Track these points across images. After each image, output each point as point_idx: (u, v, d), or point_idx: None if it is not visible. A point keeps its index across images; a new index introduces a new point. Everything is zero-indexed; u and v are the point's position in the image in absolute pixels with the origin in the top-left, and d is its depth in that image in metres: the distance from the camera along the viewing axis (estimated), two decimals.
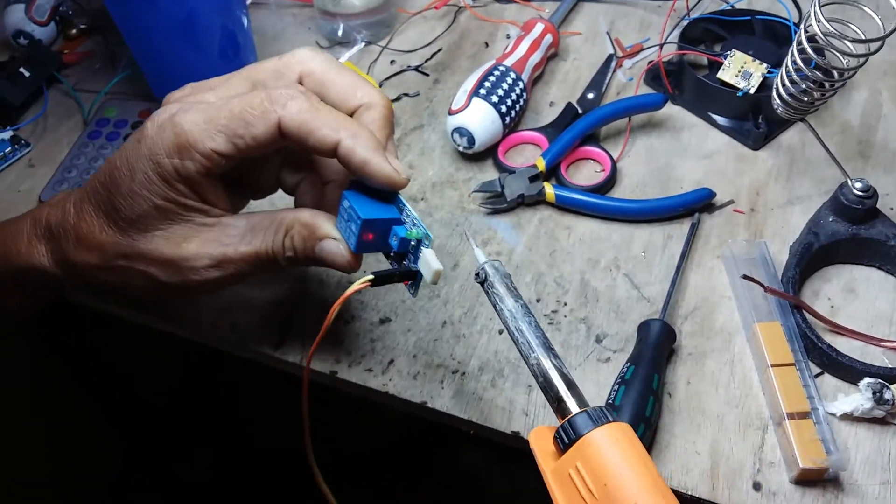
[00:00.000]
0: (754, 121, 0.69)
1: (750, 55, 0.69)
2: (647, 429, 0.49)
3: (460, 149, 0.68)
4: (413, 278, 0.46)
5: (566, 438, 0.37)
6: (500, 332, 0.57)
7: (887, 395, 0.50)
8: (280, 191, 0.54)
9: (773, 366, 0.52)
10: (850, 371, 0.53)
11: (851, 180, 0.58)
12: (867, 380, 0.51)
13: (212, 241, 0.46)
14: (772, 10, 0.76)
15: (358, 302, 0.59)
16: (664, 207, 0.63)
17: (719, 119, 0.71)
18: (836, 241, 0.59)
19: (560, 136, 0.68)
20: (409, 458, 1.23)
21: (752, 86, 0.68)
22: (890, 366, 0.53)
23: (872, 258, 0.60)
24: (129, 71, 0.77)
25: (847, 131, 0.70)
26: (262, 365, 0.59)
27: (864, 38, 0.57)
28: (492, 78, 0.68)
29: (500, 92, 0.68)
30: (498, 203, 0.65)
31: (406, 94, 0.77)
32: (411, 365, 0.56)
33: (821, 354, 0.54)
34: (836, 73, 0.59)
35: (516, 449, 0.52)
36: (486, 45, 0.82)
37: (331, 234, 0.46)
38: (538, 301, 0.59)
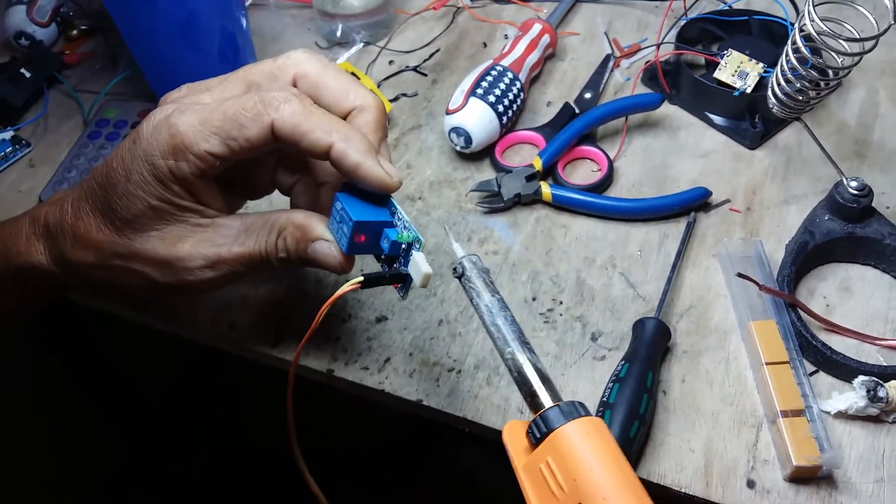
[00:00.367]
0: (751, 120, 0.70)
1: (747, 55, 0.70)
2: (642, 426, 0.49)
3: (457, 148, 0.69)
4: (403, 281, 0.47)
5: (538, 433, 0.37)
6: None
7: (881, 394, 0.50)
8: (278, 191, 0.55)
9: (767, 364, 0.52)
10: (844, 369, 0.53)
11: (847, 179, 0.59)
12: (861, 378, 0.51)
13: (206, 242, 0.47)
14: (769, 10, 0.76)
15: (355, 301, 0.59)
16: (660, 206, 0.64)
17: (716, 118, 0.71)
18: (832, 239, 0.59)
19: (557, 136, 0.68)
20: (405, 457, 1.23)
21: (749, 85, 0.68)
22: (884, 364, 0.54)
23: (868, 257, 0.60)
24: (129, 72, 0.78)
25: (844, 131, 0.70)
26: (261, 365, 0.59)
27: (858, 36, 0.57)
28: (489, 78, 0.69)
29: (498, 92, 0.68)
30: (495, 202, 0.66)
31: (404, 95, 0.77)
32: (407, 363, 0.56)
33: (815, 352, 0.54)
34: (830, 72, 0.59)
35: None
36: (485, 45, 0.82)
37: (323, 236, 0.47)
38: (534, 300, 0.59)
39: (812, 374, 0.54)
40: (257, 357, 0.58)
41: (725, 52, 0.70)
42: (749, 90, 0.68)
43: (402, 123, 0.74)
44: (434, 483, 1.20)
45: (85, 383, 1.25)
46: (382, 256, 0.47)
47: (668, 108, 0.73)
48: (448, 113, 0.68)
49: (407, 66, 0.80)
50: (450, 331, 0.58)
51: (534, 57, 0.74)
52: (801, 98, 0.60)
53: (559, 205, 0.65)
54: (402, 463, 1.22)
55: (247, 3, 0.75)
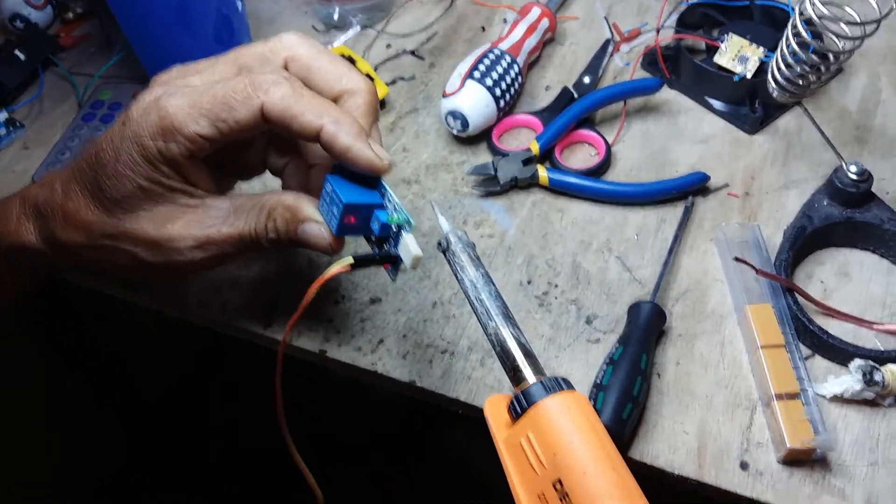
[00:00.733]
0: (751, 105, 0.69)
1: (747, 39, 0.69)
2: (635, 408, 0.48)
3: (454, 132, 0.68)
4: (393, 262, 0.47)
5: (519, 407, 0.37)
6: None
7: (877, 377, 0.50)
8: (269, 172, 0.54)
9: (763, 347, 0.52)
10: (840, 353, 0.53)
11: (846, 164, 0.58)
12: (858, 361, 0.51)
13: (195, 223, 0.47)
14: None
15: (348, 282, 0.59)
16: (658, 191, 0.63)
17: (716, 103, 0.70)
18: (831, 224, 0.59)
19: (555, 120, 0.67)
20: (398, 441, 1.23)
21: (749, 70, 0.68)
22: (881, 348, 0.53)
23: (867, 242, 0.60)
24: (124, 54, 0.77)
25: (845, 116, 0.69)
26: (260, 359, 0.59)
27: (859, 20, 0.56)
28: (486, 61, 0.68)
29: (495, 75, 0.67)
30: (491, 186, 0.65)
31: (401, 78, 0.76)
32: (401, 345, 0.56)
33: (812, 336, 0.54)
34: (831, 56, 0.59)
35: None
36: (483, 29, 0.81)
37: (313, 217, 0.47)
38: (529, 283, 0.59)
39: (808, 358, 0.54)
40: (249, 337, 0.58)
41: (726, 36, 0.70)
42: (749, 75, 0.67)
43: (399, 107, 0.74)
44: (427, 466, 1.20)
45: (85, 382, 1.25)
46: (373, 238, 0.48)
47: (667, 93, 0.72)
48: (445, 96, 0.67)
49: (404, 50, 0.79)
50: (443, 313, 0.57)
51: (532, 41, 0.73)
52: (801, 82, 0.60)
53: (556, 189, 0.65)
54: (396, 447, 1.22)
55: None
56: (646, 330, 0.53)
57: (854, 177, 0.58)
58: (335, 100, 0.47)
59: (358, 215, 0.46)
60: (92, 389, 1.28)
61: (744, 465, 0.48)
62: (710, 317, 0.56)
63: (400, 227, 0.46)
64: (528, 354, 0.39)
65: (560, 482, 0.34)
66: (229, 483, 1.28)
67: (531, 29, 0.74)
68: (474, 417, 0.53)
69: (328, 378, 0.57)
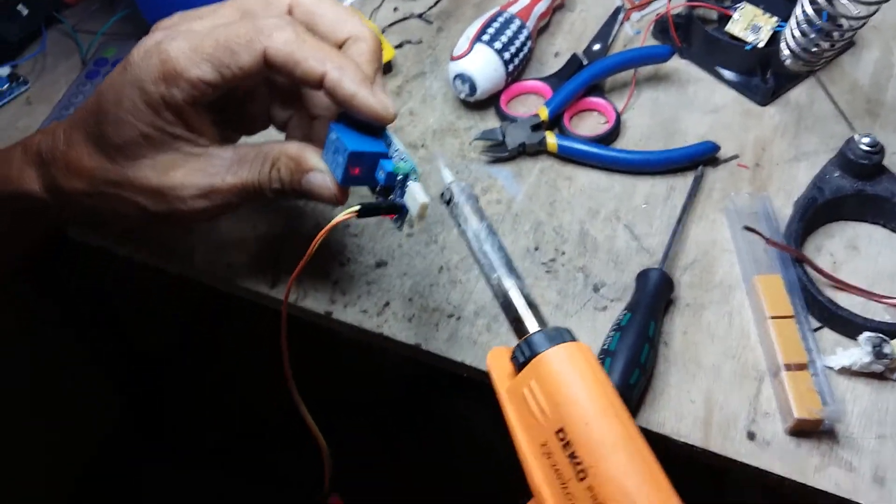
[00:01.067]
0: (762, 76, 0.68)
1: (760, 9, 0.68)
2: (642, 375, 0.48)
3: (462, 96, 0.67)
4: (399, 212, 0.46)
5: (521, 357, 0.36)
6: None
7: (886, 350, 0.50)
8: (273, 127, 0.53)
9: (771, 317, 0.52)
10: (850, 325, 0.52)
11: (859, 135, 0.57)
12: (867, 334, 0.51)
13: (198, 171, 0.46)
14: None
15: (354, 245, 0.58)
16: (667, 159, 0.62)
17: (727, 73, 0.70)
18: (841, 196, 0.58)
19: (564, 86, 0.66)
20: (403, 403, 1.23)
21: (762, 40, 0.67)
22: (891, 321, 0.53)
23: (877, 216, 0.59)
24: (127, 11, 0.76)
25: (856, 90, 0.69)
26: (262, 311, 0.58)
27: None
28: (495, 24, 0.67)
29: (504, 39, 0.66)
30: (499, 152, 0.64)
31: (409, 42, 0.75)
32: (406, 308, 0.55)
33: (821, 308, 0.53)
34: (844, 23, 0.58)
35: None
36: None
37: (317, 167, 0.46)
38: (536, 249, 0.58)
39: (817, 329, 0.54)
40: (254, 297, 0.57)
41: (739, 5, 0.69)
42: (761, 45, 0.67)
43: (406, 71, 0.73)
44: (431, 429, 1.20)
45: (78, 337, 1.24)
46: (378, 188, 0.47)
47: (677, 62, 0.72)
48: (453, 59, 0.66)
49: (412, 14, 0.78)
50: (450, 278, 0.57)
51: (542, 6, 0.72)
52: (814, 50, 0.59)
53: (564, 156, 0.64)
54: (401, 409, 1.22)
55: None
56: (654, 297, 0.52)
57: (866, 148, 0.57)
58: (339, 46, 0.47)
59: (363, 164, 0.45)
60: (86, 346, 1.27)
61: (751, 435, 0.48)
62: (718, 287, 0.56)
63: (406, 176, 0.45)
64: (532, 305, 0.39)
65: (563, 431, 0.33)
66: (227, 445, 1.29)
67: None
68: (480, 382, 0.53)
69: (333, 340, 0.57)
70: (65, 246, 0.62)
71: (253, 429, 1.29)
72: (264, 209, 0.60)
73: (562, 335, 0.36)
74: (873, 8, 0.56)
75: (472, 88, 0.66)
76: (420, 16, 0.78)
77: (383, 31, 0.76)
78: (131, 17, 0.75)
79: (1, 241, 0.56)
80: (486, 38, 0.66)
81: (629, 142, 0.66)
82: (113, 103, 0.44)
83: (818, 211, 0.58)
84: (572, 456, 0.33)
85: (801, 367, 0.50)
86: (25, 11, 0.76)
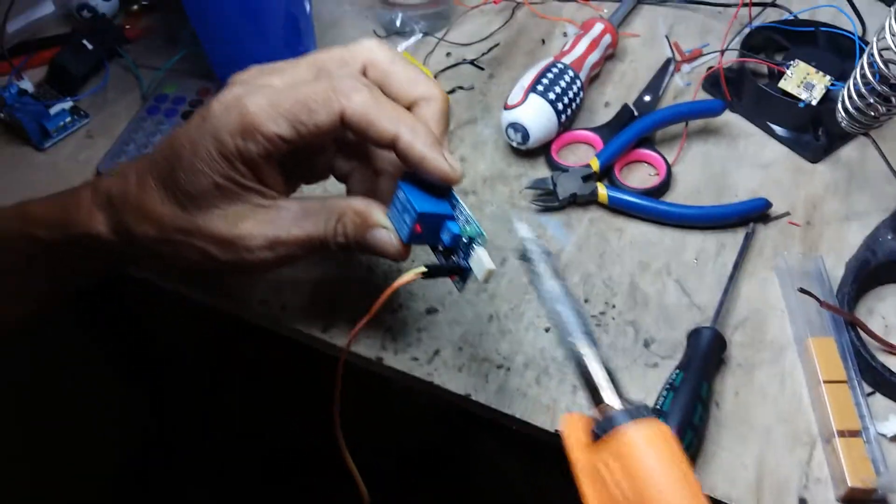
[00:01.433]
0: (814, 133, 0.68)
1: (813, 66, 0.68)
2: (695, 437, 0.48)
3: (514, 144, 0.68)
4: (461, 274, 0.47)
5: (599, 430, 0.36)
6: (547, 329, 0.57)
7: None
8: (332, 178, 0.55)
9: (825, 382, 0.51)
10: None
11: None
12: None
13: (267, 223, 0.47)
14: (836, 22, 0.75)
15: (406, 292, 0.59)
16: (719, 215, 0.63)
17: (778, 129, 0.70)
18: (895, 259, 0.58)
19: (616, 137, 0.67)
20: (429, 446, 1.22)
21: (815, 97, 0.67)
22: None
23: None
24: (189, 49, 0.78)
25: None
26: (299, 345, 0.59)
27: None
28: (550, 75, 0.68)
29: (558, 90, 0.67)
30: (549, 201, 0.65)
31: (461, 87, 0.77)
32: (456, 357, 0.56)
33: (874, 374, 0.53)
34: None
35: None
36: (543, 42, 0.81)
37: (382, 224, 0.47)
38: (586, 301, 0.59)
39: (869, 395, 0.53)
40: (307, 340, 0.58)
41: (792, 62, 0.69)
42: (815, 102, 0.67)
43: (458, 116, 0.74)
44: (459, 476, 1.20)
45: (108, 358, 1.26)
46: (440, 248, 0.48)
47: (728, 116, 0.72)
48: (506, 108, 0.67)
49: (464, 59, 0.79)
50: (499, 327, 0.57)
51: (594, 56, 0.73)
52: (872, 113, 0.59)
53: (615, 207, 0.64)
54: (427, 454, 1.22)
55: None
56: (706, 357, 0.52)
57: None
58: (410, 107, 0.48)
59: (429, 224, 0.46)
60: (116, 363, 1.28)
61: (802, 502, 0.48)
62: (769, 347, 0.56)
63: (472, 239, 0.46)
64: (609, 374, 0.39)
65: None
66: (260, 469, 1.29)
67: (594, 44, 0.74)
68: (526, 435, 0.53)
69: (373, 386, 0.57)
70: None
71: (281, 452, 1.29)
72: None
73: (641, 412, 0.36)
74: None
75: (525, 137, 0.66)
76: (472, 62, 0.79)
77: (436, 76, 0.77)
78: (192, 55, 0.77)
79: (60, 277, 0.57)
80: (540, 88, 0.67)
81: (679, 195, 0.66)
82: (189, 152, 0.45)
83: (871, 273, 0.58)
84: None
85: (855, 433, 0.49)
86: (90, 46, 0.78)
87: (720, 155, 0.69)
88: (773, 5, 0.82)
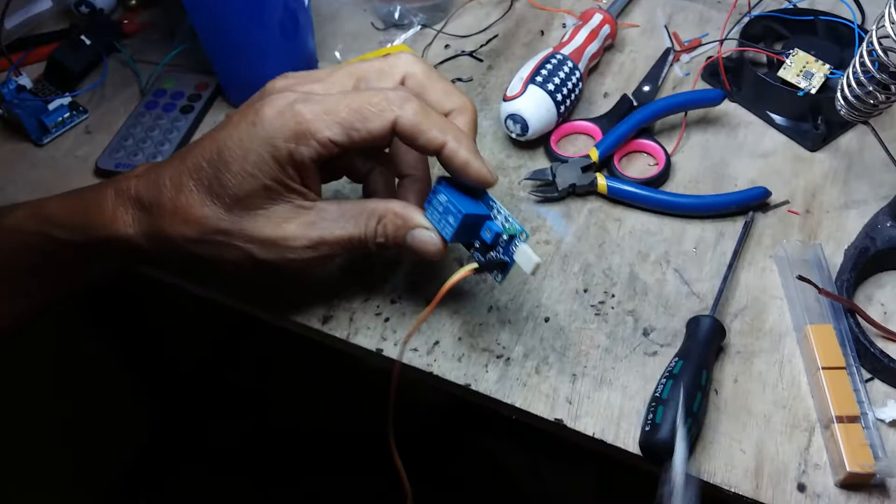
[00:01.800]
0: (813, 122, 0.68)
1: (812, 55, 0.68)
2: (694, 424, 0.48)
3: (513, 135, 0.68)
4: (502, 268, 0.51)
5: None
6: (546, 319, 0.57)
7: None
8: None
9: (823, 368, 0.51)
10: None
11: None
12: None
13: (309, 224, 0.50)
14: (835, 10, 0.75)
15: (406, 282, 0.59)
16: (718, 204, 0.63)
17: (777, 118, 0.70)
18: (893, 247, 0.58)
19: (615, 128, 0.67)
20: (429, 437, 1.23)
21: (814, 86, 0.67)
22: None
23: None
24: (187, 44, 0.78)
25: None
26: (297, 336, 0.59)
27: None
28: (549, 66, 0.68)
29: (557, 80, 0.67)
30: (548, 192, 0.65)
31: (459, 80, 0.77)
32: (456, 347, 0.56)
33: (872, 360, 0.53)
34: None
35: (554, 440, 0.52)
36: (542, 33, 0.81)
37: (423, 224, 0.50)
38: (585, 291, 0.59)
39: (868, 381, 0.53)
40: (308, 333, 0.58)
41: (791, 51, 0.69)
42: (814, 91, 0.67)
43: None
44: (457, 465, 1.20)
45: (112, 349, 1.26)
46: (477, 245, 0.52)
47: (727, 106, 0.72)
48: (506, 99, 0.67)
49: (463, 51, 0.79)
50: (499, 318, 0.57)
51: (593, 47, 0.73)
52: (871, 102, 0.59)
53: (614, 197, 0.64)
54: (426, 444, 1.22)
55: None
56: (706, 345, 0.52)
57: None
58: (444, 116, 0.50)
59: (470, 224, 0.50)
60: (122, 357, 1.28)
61: (801, 487, 0.48)
62: (768, 334, 0.56)
63: (512, 237, 0.50)
64: None
65: None
66: (260, 453, 1.30)
67: (593, 35, 0.74)
68: (526, 424, 0.54)
69: (356, 366, 0.57)
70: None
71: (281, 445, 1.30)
72: None
73: None
74: None
75: (524, 129, 0.66)
76: (471, 54, 0.79)
77: (434, 68, 0.77)
78: (190, 50, 0.77)
79: (76, 277, 0.57)
80: (539, 79, 0.67)
81: (678, 185, 0.66)
82: (238, 156, 0.47)
83: (869, 261, 0.58)
84: None
85: (853, 419, 0.49)
86: (88, 42, 0.78)
87: (719, 144, 0.69)
88: None
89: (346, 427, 1.24)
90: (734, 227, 0.62)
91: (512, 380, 0.54)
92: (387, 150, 0.56)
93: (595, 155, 0.65)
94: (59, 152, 0.72)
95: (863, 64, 0.57)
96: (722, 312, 0.57)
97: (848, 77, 0.59)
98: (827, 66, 0.67)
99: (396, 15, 0.81)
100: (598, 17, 0.75)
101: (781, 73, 0.68)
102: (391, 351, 0.56)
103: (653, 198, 0.63)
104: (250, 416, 1.36)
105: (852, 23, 0.72)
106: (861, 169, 0.66)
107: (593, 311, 0.58)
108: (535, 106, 0.66)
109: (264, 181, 0.47)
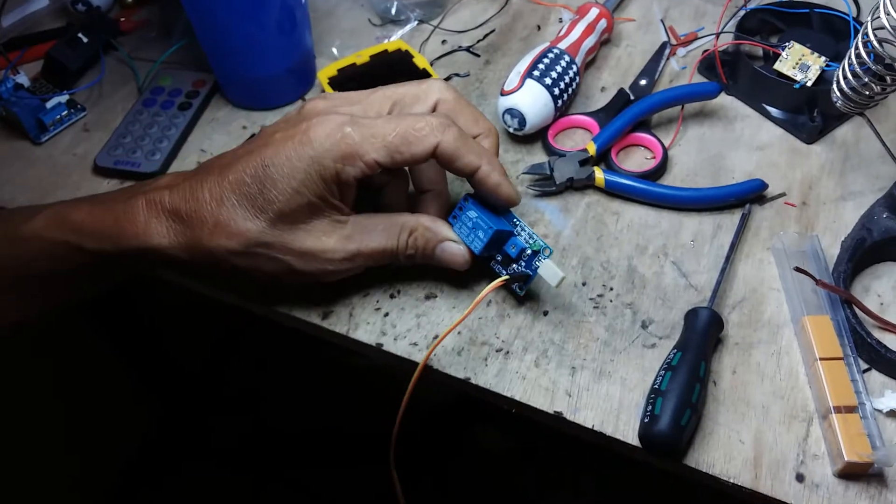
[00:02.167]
0: (809, 114, 0.69)
1: (808, 48, 0.69)
2: (693, 415, 0.49)
3: (510, 130, 0.68)
4: (525, 280, 0.55)
5: None
6: (545, 313, 0.57)
7: None
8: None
9: (821, 359, 0.52)
10: None
11: None
12: None
13: (347, 237, 0.53)
14: (830, 3, 0.75)
15: (406, 277, 0.59)
16: (715, 197, 0.63)
17: (773, 111, 0.70)
18: (890, 238, 0.58)
19: (612, 122, 0.67)
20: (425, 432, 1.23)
21: (810, 78, 0.67)
22: None
23: None
24: (184, 41, 0.78)
25: None
26: (299, 336, 0.60)
27: None
28: (546, 60, 0.68)
29: (554, 74, 0.67)
30: (546, 186, 0.65)
31: (457, 74, 0.77)
32: (455, 341, 0.56)
33: (870, 350, 0.53)
34: None
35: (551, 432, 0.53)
36: (539, 28, 0.81)
37: (452, 237, 0.54)
38: (584, 284, 0.59)
39: (865, 371, 0.54)
40: (307, 328, 0.58)
41: (787, 44, 0.69)
42: (810, 83, 0.67)
43: None
44: (452, 459, 1.20)
45: (114, 347, 1.26)
46: (499, 258, 0.56)
47: (723, 99, 0.72)
48: (503, 94, 0.67)
49: (460, 46, 0.80)
50: (498, 312, 0.58)
51: (590, 41, 0.73)
52: (867, 93, 0.59)
53: (612, 191, 0.65)
54: (422, 438, 1.23)
55: None
56: (704, 336, 0.53)
57: None
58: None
59: (497, 239, 0.54)
60: (117, 358, 1.29)
61: (800, 477, 0.48)
62: (766, 326, 0.56)
63: (536, 252, 0.54)
64: None
65: None
66: (259, 453, 1.30)
67: (589, 29, 0.74)
68: (523, 417, 0.54)
69: (359, 372, 0.58)
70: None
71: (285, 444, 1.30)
72: None
73: None
74: None
75: (522, 123, 0.67)
76: (468, 49, 0.79)
77: (431, 64, 0.77)
78: (187, 47, 0.77)
79: (97, 283, 0.58)
80: (536, 73, 0.67)
81: (676, 178, 0.66)
82: (286, 174, 0.49)
83: (866, 252, 0.58)
84: None
85: (851, 409, 0.50)
86: (85, 39, 0.78)
87: (716, 137, 0.69)
88: None
89: (345, 424, 1.25)
90: (731, 220, 0.62)
91: (511, 373, 0.54)
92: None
93: (592, 149, 0.66)
94: (56, 150, 0.72)
95: (858, 56, 0.57)
96: (720, 304, 0.57)
97: (843, 69, 0.59)
98: (823, 58, 0.68)
99: (393, 10, 0.81)
100: (594, 12, 0.75)
101: (777, 65, 0.69)
102: (391, 346, 0.56)
103: (650, 191, 0.63)
104: (250, 415, 1.36)
105: (847, 15, 0.72)
106: (857, 161, 0.67)
107: (592, 304, 0.58)
108: (532, 100, 0.66)
109: (309, 198, 0.50)
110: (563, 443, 0.52)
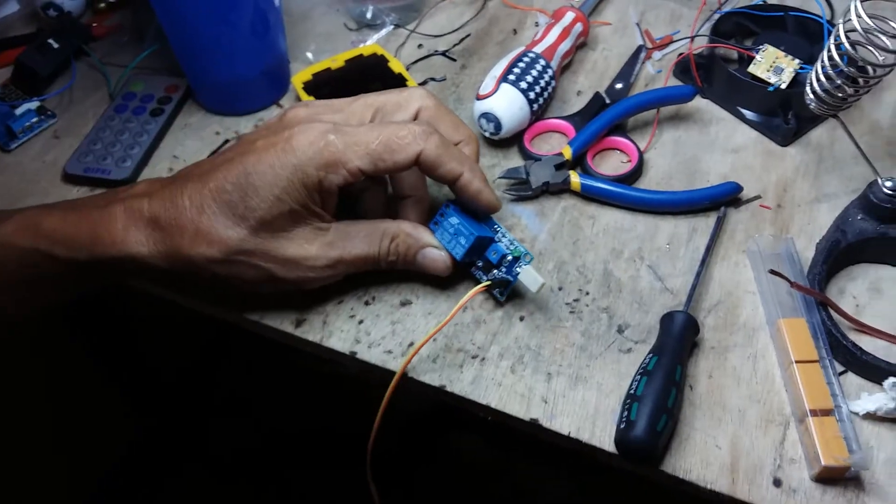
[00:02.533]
0: (784, 117, 0.69)
1: (782, 51, 0.69)
2: (669, 420, 0.48)
3: (486, 134, 0.68)
4: (506, 286, 0.56)
5: None
6: (521, 318, 0.57)
7: None
8: None
9: (797, 362, 0.52)
10: (874, 370, 0.52)
11: (882, 178, 0.58)
12: (892, 379, 0.50)
13: (329, 244, 0.53)
14: (805, 6, 0.75)
15: (380, 283, 0.59)
16: (690, 200, 0.63)
17: (748, 114, 0.70)
18: (864, 239, 0.58)
19: (587, 126, 0.67)
20: (402, 438, 1.22)
21: (784, 81, 0.67)
22: None
23: None
24: (156, 46, 0.77)
25: (876, 131, 0.69)
26: (278, 344, 0.59)
27: None
28: (521, 64, 0.68)
29: (530, 79, 0.67)
30: (522, 190, 0.65)
31: (433, 79, 0.76)
32: (431, 348, 0.55)
33: (845, 352, 0.53)
34: (870, 70, 0.58)
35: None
36: (515, 32, 0.81)
37: (433, 244, 0.55)
38: (560, 289, 0.59)
39: (841, 374, 0.54)
40: (278, 336, 0.57)
41: (761, 46, 0.69)
42: (784, 86, 0.67)
43: None
44: (429, 466, 1.20)
45: (93, 359, 1.24)
46: (480, 264, 0.56)
47: (699, 102, 0.72)
48: (478, 98, 0.67)
49: (436, 51, 0.79)
50: (474, 318, 0.57)
51: (566, 45, 0.73)
52: (839, 95, 0.60)
53: (587, 195, 0.64)
54: (399, 444, 1.22)
55: None
56: (679, 340, 0.52)
57: (889, 192, 0.57)
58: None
59: (479, 246, 0.54)
60: (102, 366, 1.27)
61: (777, 482, 0.48)
62: (742, 329, 0.56)
63: (516, 258, 0.55)
64: None
65: None
66: (244, 463, 1.29)
67: (565, 33, 0.74)
68: (501, 424, 0.53)
69: (336, 377, 0.57)
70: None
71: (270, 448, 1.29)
72: None
73: None
74: None
75: (498, 127, 0.66)
76: (444, 53, 0.79)
77: (408, 69, 0.77)
78: (159, 52, 0.77)
79: (69, 291, 0.57)
80: (512, 77, 0.66)
81: (651, 181, 0.66)
82: (268, 182, 0.49)
83: (841, 254, 0.58)
84: None
85: (827, 412, 0.50)
86: (56, 45, 0.77)
87: (691, 140, 0.69)
88: None
89: (326, 427, 1.24)
90: (707, 223, 0.62)
91: (487, 380, 0.54)
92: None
93: (568, 153, 0.65)
94: (26, 157, 0.71)
95: (831, 58, 0.58)
96: (695, 308, 0.57)
97: (817, 71, 0.60)
98: (797, 61, 0.68)
99: (369, 15, 0.81)
100: (570, 16, 0.75)
101: (752, 68, 0.69)
102: (365, 354, 0.55)
103: (626, 195, 0.63)
104: (242, 418, 1.35)
105: (821, 18, 0.72)
106: (831, 163, 0.67)
107: (568, 309, 0.57)
108: (508, 104, 0.66)
109: (292, 205, 0.50)
110: (540, 449, 0.52)
